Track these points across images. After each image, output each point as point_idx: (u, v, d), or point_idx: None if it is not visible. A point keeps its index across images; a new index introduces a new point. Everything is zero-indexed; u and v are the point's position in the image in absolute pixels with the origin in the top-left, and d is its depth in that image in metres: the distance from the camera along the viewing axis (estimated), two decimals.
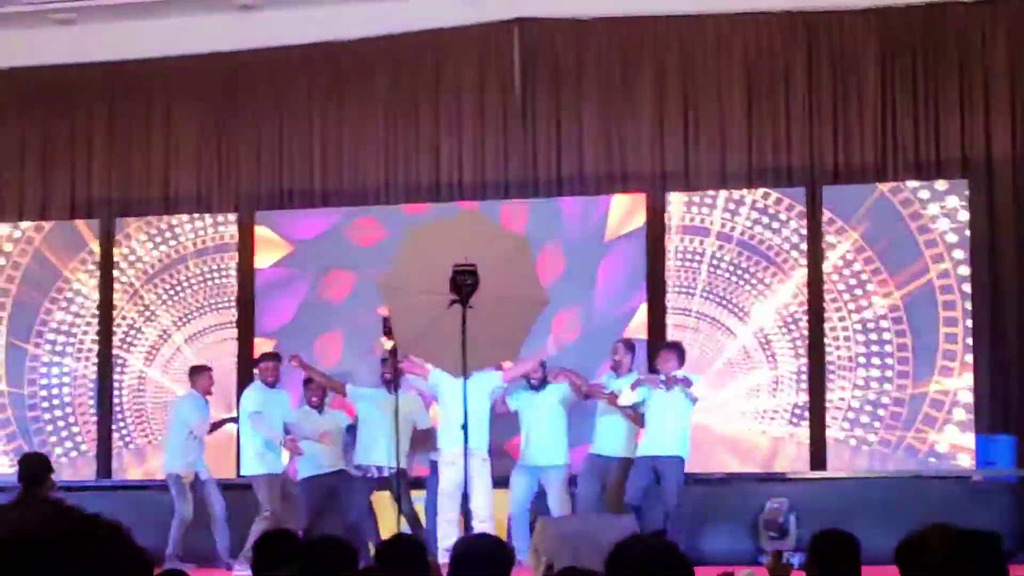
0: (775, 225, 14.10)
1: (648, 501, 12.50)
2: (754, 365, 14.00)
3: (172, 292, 15.20)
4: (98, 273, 15.35)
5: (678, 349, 13.01)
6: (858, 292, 13.90)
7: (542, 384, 13.21)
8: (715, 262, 14.19)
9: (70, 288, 15.38)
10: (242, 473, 13.63)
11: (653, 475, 12.53)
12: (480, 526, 11.76)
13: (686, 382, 12.50)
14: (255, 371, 13.61)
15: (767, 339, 14.01)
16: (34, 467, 10.13)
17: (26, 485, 9.92)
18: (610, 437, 12.95)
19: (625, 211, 14.39)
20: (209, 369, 13.91)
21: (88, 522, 1.96)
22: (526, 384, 13.23)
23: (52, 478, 10.09)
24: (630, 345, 13.23)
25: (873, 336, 13.83)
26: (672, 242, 14.27)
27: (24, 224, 15.60)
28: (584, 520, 12.06)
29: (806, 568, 6.02)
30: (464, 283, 9.93)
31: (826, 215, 14.02)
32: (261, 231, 14.98)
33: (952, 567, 3.92)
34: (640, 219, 14.35)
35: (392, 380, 12.72)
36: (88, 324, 15.33)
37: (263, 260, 14.96)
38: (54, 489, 9.94)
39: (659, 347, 13.31)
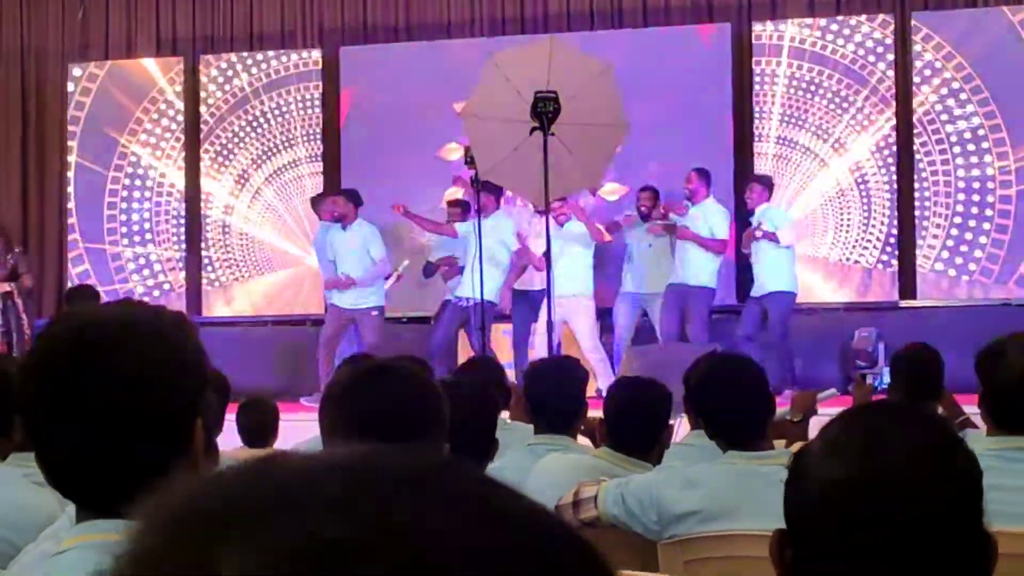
0: (864, 53, 13.91)
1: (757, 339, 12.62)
2: (843, 195, 13.90)
3: (255, 129, 15.23)
4: (181, 110, 15.43)
5: (762, 181, 12.97)
6: (954, 117, 13.73)
7: (646, 217, 13.23)
8: (801, 93, 14.04)
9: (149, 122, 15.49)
10: None
11: (760, 313, 12.61)
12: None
13: (769, 236, 12.48)
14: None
15: (857, 168, 13.89)
16: (81, 295, 9.95)
17: None
18: (690, 267, 12.92)
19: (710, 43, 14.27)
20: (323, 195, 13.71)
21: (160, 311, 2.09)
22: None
23: None
24: (703, 172, 13.10)
25: (956, 159, 13.71)
26: (758, 71, 14.13)
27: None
28: (670, 349, 12.09)
29: (889, 385, 5.98)
30: (545, 110, 9.84)
31: (916, 43, 13.81)
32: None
33: None
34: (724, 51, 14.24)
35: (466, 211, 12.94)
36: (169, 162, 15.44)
37: None
38: None
39: (749, 180, 13.24)
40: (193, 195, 15.35)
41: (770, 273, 12.61)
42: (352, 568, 0.69)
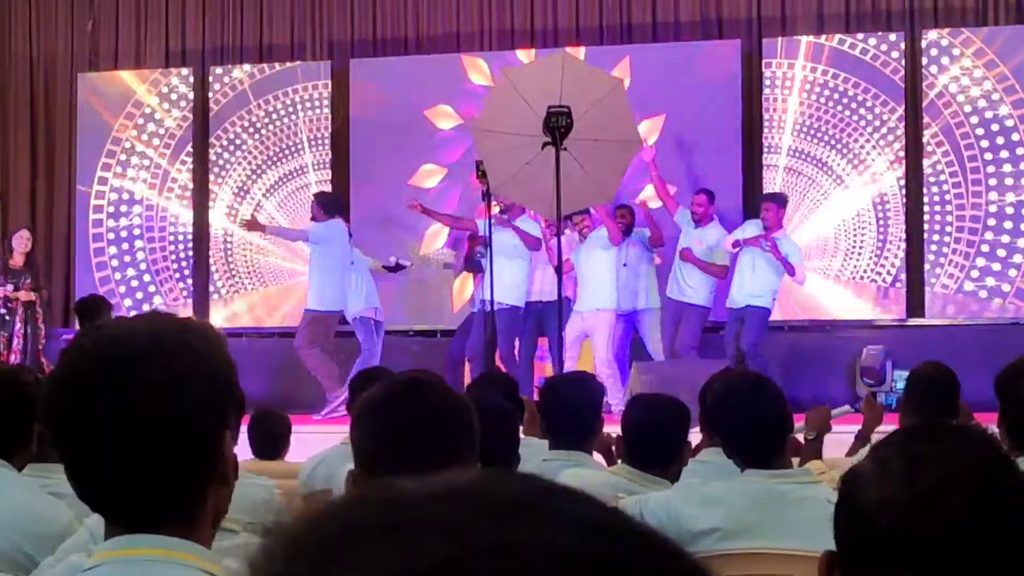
0: (874, 67, 13.89)
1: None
2: (857, 214, 13.88)
3: (260, 131, 15.23)
4: (189, 119, 15.42)
5: (776, 200, 12.92)
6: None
7: (629, 230, 13.21)
8: (810, 111, 14.03)
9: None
10: None
11: (740, 325, 12.58)
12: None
13: (787, 266, 12.43)
14: None
15: (869, 185, 13.87)
16: (93, 306, 9.96)
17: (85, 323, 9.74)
18: (687, 284, 12.93)
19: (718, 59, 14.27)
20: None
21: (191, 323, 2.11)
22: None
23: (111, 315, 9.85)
24: (711, 195, 13.08)
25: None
26: (767, 89, 14.12)
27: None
28: (679, 364, 12.09)
29: (902, 403, 5.96)
30: (558, 125, 9.83)
31: (925, 61, 13.80)
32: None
33: None
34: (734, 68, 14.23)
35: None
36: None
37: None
38: None
39: (761, 198, 13.21)
40: (200, 203, 15.33)
41: (759, 287, 12.59)
42: None
